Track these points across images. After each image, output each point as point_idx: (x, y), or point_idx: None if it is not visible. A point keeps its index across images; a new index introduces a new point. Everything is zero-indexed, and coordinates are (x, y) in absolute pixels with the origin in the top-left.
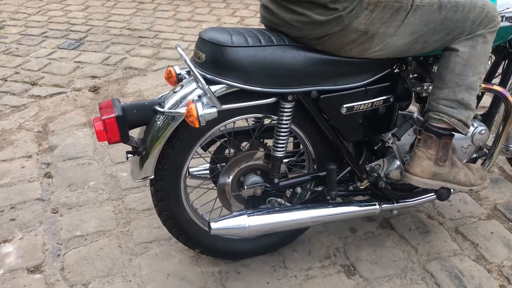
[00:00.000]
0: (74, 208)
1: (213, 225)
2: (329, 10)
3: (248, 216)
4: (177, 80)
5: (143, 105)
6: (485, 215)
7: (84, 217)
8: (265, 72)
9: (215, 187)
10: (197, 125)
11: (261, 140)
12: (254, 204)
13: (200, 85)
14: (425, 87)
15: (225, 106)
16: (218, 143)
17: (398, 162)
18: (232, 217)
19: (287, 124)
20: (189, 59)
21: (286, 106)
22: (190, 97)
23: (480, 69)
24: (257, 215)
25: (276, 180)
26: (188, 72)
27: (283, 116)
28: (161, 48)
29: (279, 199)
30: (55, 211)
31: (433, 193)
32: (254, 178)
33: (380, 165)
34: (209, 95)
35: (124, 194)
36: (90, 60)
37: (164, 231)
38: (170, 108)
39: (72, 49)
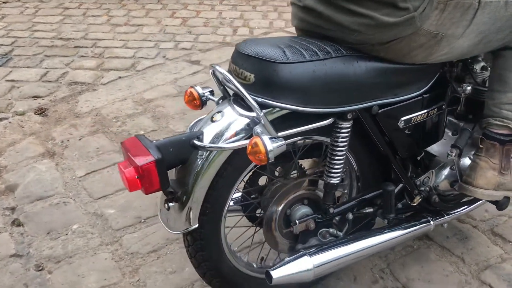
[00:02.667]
0: (63, 260)
1: (274, 274)
2: (399, 10)
3: (310, 256)
4: (201, 102)
5: (180, 141)
6: None
7: (80, 271)
8: (326, 89)
9: (250, 224)
10: (264, 162)
11: (299, 163)
12: (304, 239)
13: (255, 112)
14: (464, 88)
15: (281, 134)
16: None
17: (446, 173)
18: (292, 261)
19: (344, 146)
20: (237, 82)
21: (343, 125)
22: (236, 127)
23: None
24: (319, 253)
25: (331, 210)
26: (212, 92)
27: (339, 137)
28: (105, 58)
29: (331, 230)
30: (40, 268)
31: (479, 201)
32: (303, 210)
33: (429, 177)
34: (263, 123)
35: (118, 236)
36: (25, 78)
37: (183, 276)
38: (213, 142)
39: (0, 65)
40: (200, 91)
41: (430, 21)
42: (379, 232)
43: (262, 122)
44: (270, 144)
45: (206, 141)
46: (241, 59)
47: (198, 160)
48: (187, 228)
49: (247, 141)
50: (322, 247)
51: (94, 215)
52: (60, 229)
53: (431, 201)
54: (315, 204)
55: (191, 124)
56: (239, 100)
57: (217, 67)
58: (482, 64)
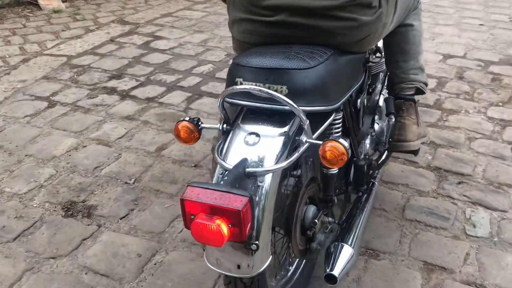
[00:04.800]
0: None
1: (336, 273)
2: (372, 9)
3: (345, 242)
4: (199, 134)
5: (237, 174)
6: None
7: None
8: (336, 85)
9: None
10: (344, 162)
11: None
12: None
13: (302, 121)
14: None
15: (314, 136)
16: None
17: (368, 141)
18: (338, 255)
19: (339, 136)
20: (278, 96)
21: (337, 117)
22: (278, 143)
23: None
24: (348, 237)
25: (335, 198)
26: (200, 121)
27: (334, 129)
28: None
29: (329, 219)
30: None
31: (389, 157)
32: (312, 209)
33: (362, 147)
34: (306, 129)
35: None
36: None
37: None
38: (267, 165)
39: None
40: (194, 122)
41: (385, 13)
42: (358, 206)
43: (306, 129)
44: (346, 143)
45: (259, 166)
46: (264, 74)
47: (258, 189)
48: (265, 263)
49: (296, 154)
50: (345, 232)
51: None
52: None
53: (371, 166)
54: (313, 200)
55: (218, 154)
56: (260, 117)
57: (238, 87)
58: None
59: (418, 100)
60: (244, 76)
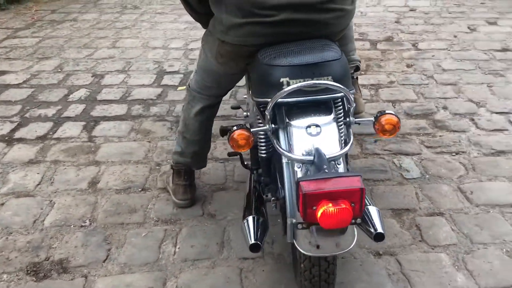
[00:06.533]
0: None
1: (381, 230)
2: None
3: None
4: (254, 137)
5: (323, 161)
6: None
7: None
8: None
9: None
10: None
11: None
12: None
13: (351, 105)
14: None
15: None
16: None
17: None
18: (371, 217)
19: None
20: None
21: None
22: (336, 128)
23: None
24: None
25: None
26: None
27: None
28: None
29: None
30: None
31: None
32: None
33: None
34: (352, 111)
35: None
36: None
37: None
38: (340, 149)
39: None
40: (245, 127)
41: (356, 1)
42: None
43: (351, 110)
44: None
45: (332, 151)
46: (310, 69)
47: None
48: (355, 235)
49: (351, 135)
50: None
51: None
52: None
53: None
54: None
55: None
56: (307, 110)
57: (290, 86)
58: None
59: (357, 77)
60: (290, 75)
